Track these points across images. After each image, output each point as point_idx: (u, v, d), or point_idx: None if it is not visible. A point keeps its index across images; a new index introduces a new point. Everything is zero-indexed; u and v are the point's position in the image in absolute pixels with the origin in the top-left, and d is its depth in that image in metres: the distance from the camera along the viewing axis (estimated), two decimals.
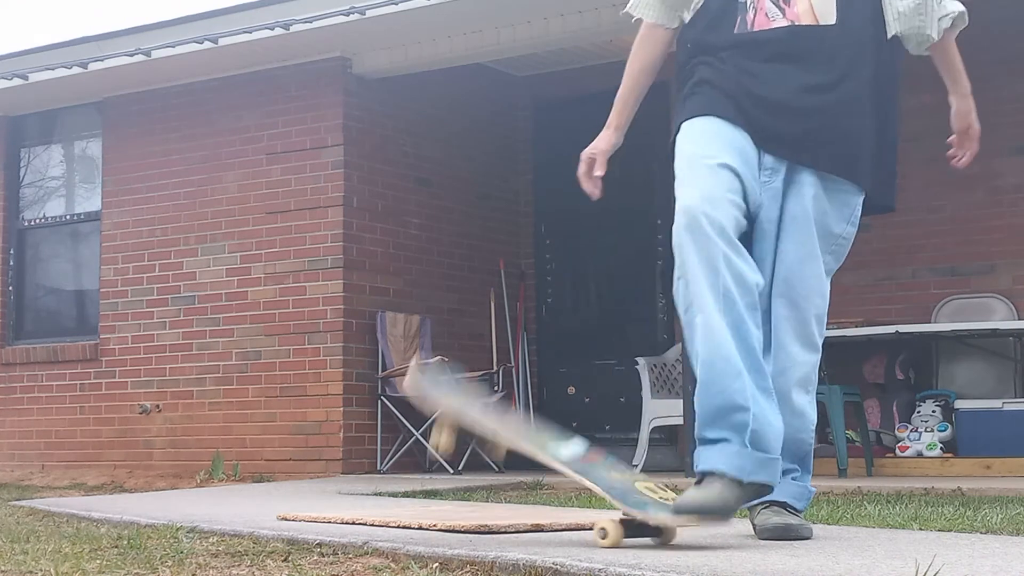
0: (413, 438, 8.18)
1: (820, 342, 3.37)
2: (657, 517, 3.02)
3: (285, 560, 3.27)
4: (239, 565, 3.22)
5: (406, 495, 6.00)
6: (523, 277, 9.64)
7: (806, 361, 3.33)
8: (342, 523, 3.97)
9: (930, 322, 7.94)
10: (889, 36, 3.36)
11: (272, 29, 7.97)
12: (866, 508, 4.71)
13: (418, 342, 8.58)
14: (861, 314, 7.83)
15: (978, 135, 3.52)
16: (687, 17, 3.45)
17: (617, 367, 8.95)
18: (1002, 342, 7.75)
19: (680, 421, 7.18)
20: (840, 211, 3.35)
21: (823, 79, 3.28)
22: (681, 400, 6.89)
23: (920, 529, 3.80)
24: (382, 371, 8.31)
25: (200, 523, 4.08)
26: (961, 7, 3.41)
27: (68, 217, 9.74)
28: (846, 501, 5.25)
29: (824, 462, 6.52)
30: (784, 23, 3.29)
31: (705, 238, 3.11)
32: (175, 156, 8.97)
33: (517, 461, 8.62)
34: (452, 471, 8.03)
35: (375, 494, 6.05)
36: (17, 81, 9.11)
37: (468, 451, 8.24)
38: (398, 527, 3.75)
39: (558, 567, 2.71)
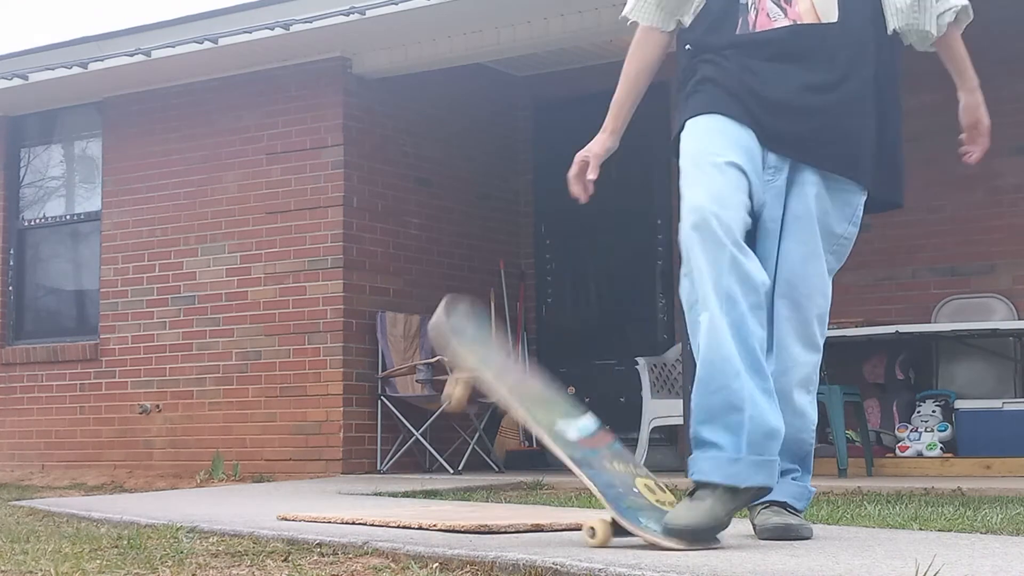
0: (413, 438, 8.18)
1: (821, 342, 3.37)
2: (645, 534, 2.99)
3: (285, 560, 3.27)
4: (239, 565, 3.22)
5: (406, 495, 6.00)
6: (523, 277, 9.65)
7: (807, 361, 3.33)
8: (342, 523, 3.97)
9: (930, 322, 7.94)
10: (889, 32, 3.35)
11: (272, 29, 7.97)
12: (866, 508, 4.71)
13: (418, 342, 8.58)
14: (861, 314, 7.83)
15: (988, 130, 3.48)
16: (687, 21, 3.44)
17: (617, 367, 8.95)
18: (1002, 342, 7.75)
19: (680, 421, 7.19)
20: (842, 211, 3.35)
21: (825, 78, 3.28)
22: (681, 400, 6.89)
23: (920, 529, 3.80)
24: (382, 371, 8.31)
25: (200, 523, 4.08)
26: (964, 1, 3.40)
27: (68, 217, 9.74)
28: (846, 501, 5.25)
29: (824, 462, 6.52)
30: (786, 23, 3.29)
31: (713, 238, 3.10)
32: (175, 156, 8.97)
33: (517, 461, 8.69)
34: (452, 471, 8.03)
35: (375, 494, 6.05)
36: (17, 81, 9.11)
37: (468, 451, 8.25)
38: (398, 527, 3.75)
39: (558, 567, 2.71)
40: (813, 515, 4.13)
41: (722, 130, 3.26)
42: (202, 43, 8.25)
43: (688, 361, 6.73)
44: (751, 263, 3.14)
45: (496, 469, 8.35)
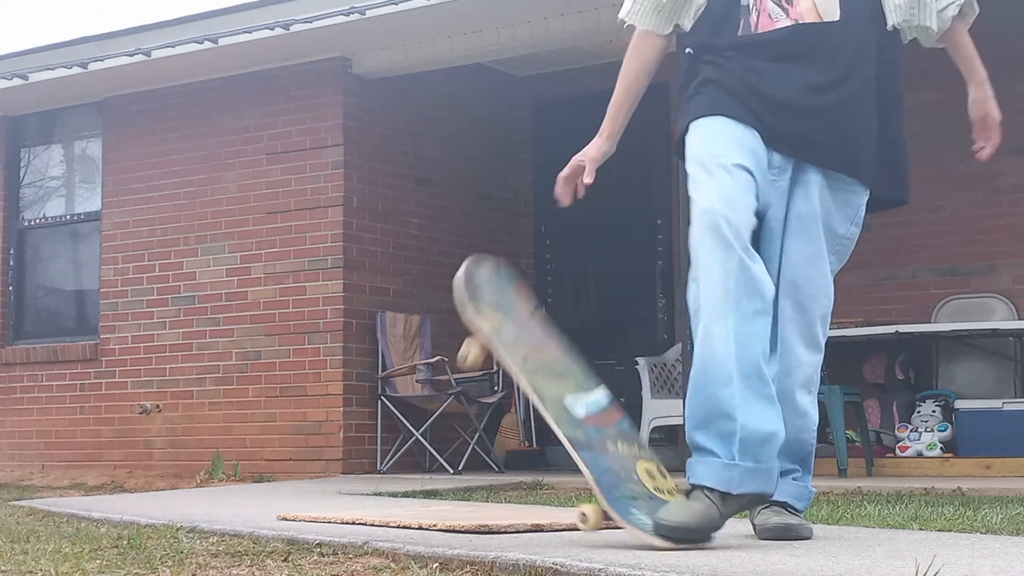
0: (413, 438, 8.18)
1: (823, 342, 3.37)
2: (631, 527, 2.98)
3: (285, 560, 3.27)
4: (239, 565, 3.22)
5: (406, 495, 6.00)
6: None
7: (810, 362, 3.33)
8: (342, 523, 3.97)
9: (930, 322, 7.94)
10: (888, 27, 3.34)
11: (272, 29, 7.97)
12: (866, 508, 4.71)
13: (418, 342, 8.58)
14: (861, 314, 7.83)
15: (997, 124, 3.44)
16: (687, 25, 3.43)
17: (617, 367, 8.94)
18: (1002, 342, 7.75)
19: (680, 421, 7.19)
20: (844, 211, 3.35)
21: (827, 77, 3.28)
22: (681, 400, 6.89)
23: (920, 529, 3.80)
24: (382, 371, 8.31)
25: (200, 523, 4.08)
26: None
27: (68, 217, 9.74)
28: (846, 501, 5.25)
29: (824, 462, 6.51)
30: (788, 22, 3.29)
31: (723, 242, 3.09)
32: (175, 156, 8.97)
33: (517, 461, 8.69)
34: (452, 471, 8.03)
35: (375, 494, 6.05)
36: (17, 81, 9.11)
37: (468, 451, 8.25)
38: (398, 527, 3.75)
39: (558, 567, 2.71)
40: (813, 515, 4.13)
41: (727, 131, 3.25)
42: (202, 43, 8.25)
43: (688, 361, 6.71)
44: (758, 268, 3.13)
45: (496, 469, 8.35)
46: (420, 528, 3.67)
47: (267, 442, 8.39)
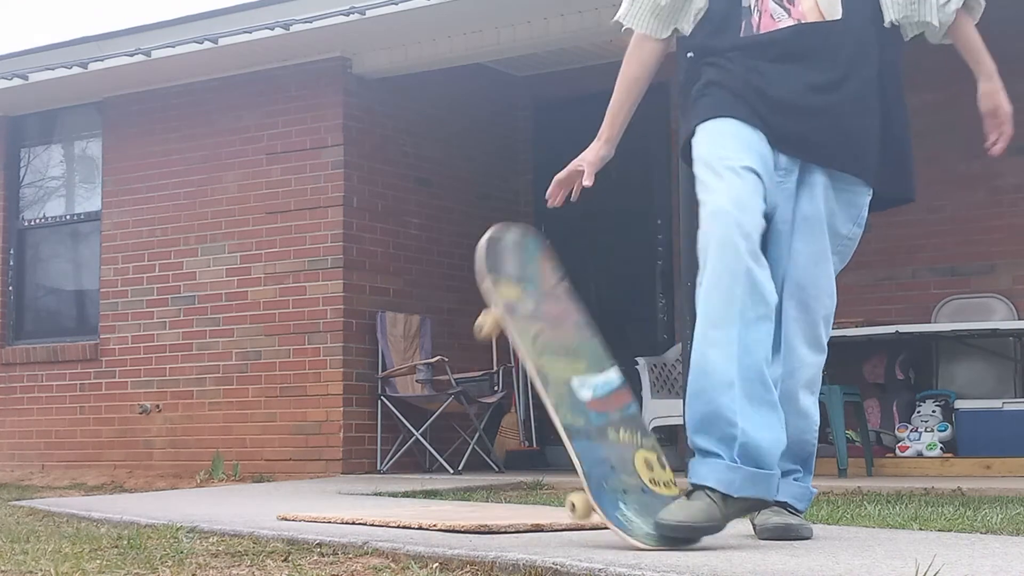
0: (413, 438, 8.18)
1: (826, 343, 3.37)
2: (611, 525, 2.97)
3: (285, 560, 3.27)
4: (239, 565, 3.22)
5: (406, 495, 6.00)
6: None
7: (813, 363, 3.33)
8: (342, 523, 3.97)
9: (930, 322, 7.94)
10: (886, 24, 3.34)
11: (272, 29, 7.97)
12: (866, 508, 4.71)
13: (418, 342, 8.58)
14: (861, 314, 7.83)
15: (1009, 116, 3.39)
16: (687, 29, 3.42)
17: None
18: (1002, 342, 7.75)
19: (680, 421, 7.20)
20: (846, 211, 3.35)
21: (828, 77, 3.27)
22: (681, 400, 6.88)
23: (920, 529, 3.80)
24: (382, 371, 8.31)
25: (200, 523, 4.08)
26: None
27: (68, 217, 9.74)
28: (846, 501, 5.25)
29: (824, 462, 6.50)
30: (790, 22, 3.28)
31: (733, 246, 3.08)
32: (175, 156, 8.97)
33: (517, 461, 8.68)
34: (452, 471, 8.03)
35: (375, 494, 6.05)
36: (17, 81, 9.11)
37: (468, 451, 8.25)
38: (398, 527, 3.75)
39: (558, 567, 2.71)
40: (813, 515, 4.12)
41: (735, 133, 3.24)
42: (202, 43, 8.25)
43: (688, 361, 6.71)
44: (764, 274, 3.13)
45: (496, 469, 8.35)
46: (420, 528, 3.67)
47: (267, 442, 8.39)
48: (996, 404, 7.40)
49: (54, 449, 9.28)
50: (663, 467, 3.19)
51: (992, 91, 3.41)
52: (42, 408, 9.38)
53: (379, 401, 8.31)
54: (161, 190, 8.98)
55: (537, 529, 3.55)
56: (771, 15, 3.29)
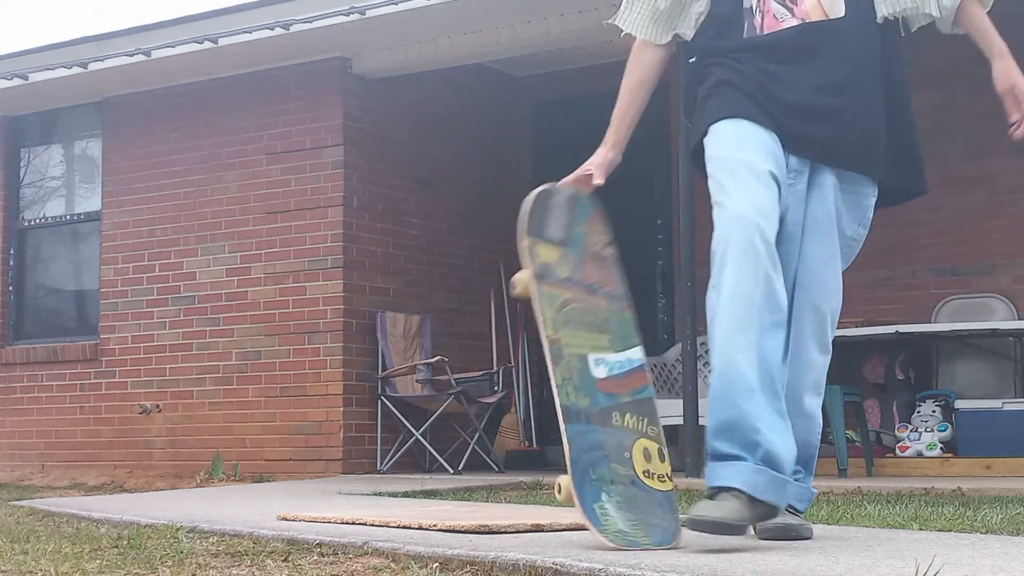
0: (413, 438, 8.18)
1: (831, 343, 3.37)
2: (590, 526, 2.95)
3: (285, 560, 3.27)
4: (239, 565, 3.22)
5: (406, 495, 6.00)
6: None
7: (820, 364, 3.34)
8: (342, 523, 3.97)
9: (930, 322, 7.94)
10: (878, 19, 3.32)
11: (272, 29, 7.97)
12: (866, 508, 4.71)
13: (418, 342, 8.58)
14: (861, 314, 7.83)
15: None
16: (689, 34, 3.42)
17: None
18: (1002, 342, 7.75)
19: (680, 421, 7.19)
20: (852, 212, 3.35)
21: (835, 76, 3.26)
22: (681, 400, 6.88)
23: (920, 529, 3.80)
24: (382, 371, 8.31)
25: (200, 523, 4.08)
26: None
27: (68, 217, 9.74)
28: (846, 501, 5.25)
29: (824, 462, 6.49)
30: (794, 22, 3.28)
31: (753, 253, 3.07)
32: (175, 156, 8.97)
33: (517, 461, 8.68)
34: (452, 471, 8.03)
35: (375, 494, 6.05)
36: (17, 81, 9.12)
37: (468, 451, 8.24)
38: (398, 527, 3.75)
39: (558, 567, 2.71)
40: (813, 515, 4.12)
41: (751, 134, 3.22)
42: (202, 43, 8.25)
43: (688, 361, 6.71)
44: (779, 280, 3.12)
45: (496, 469, 8.35)
46: (420, 528, 3.67)
47: (267, 442, 8.39)
48: (996, 404, 7.40)
49: (54, 449, 9.28)
50: (662, 459, 3.17)
51: (1007, 68, 3.34)
52: (42, 408, 9.38)
53: (379, 401, 8.31)
54: (161, 190, 8.98)
55: (537, 529, 3.55)
56: (774, 15, 3.29)
